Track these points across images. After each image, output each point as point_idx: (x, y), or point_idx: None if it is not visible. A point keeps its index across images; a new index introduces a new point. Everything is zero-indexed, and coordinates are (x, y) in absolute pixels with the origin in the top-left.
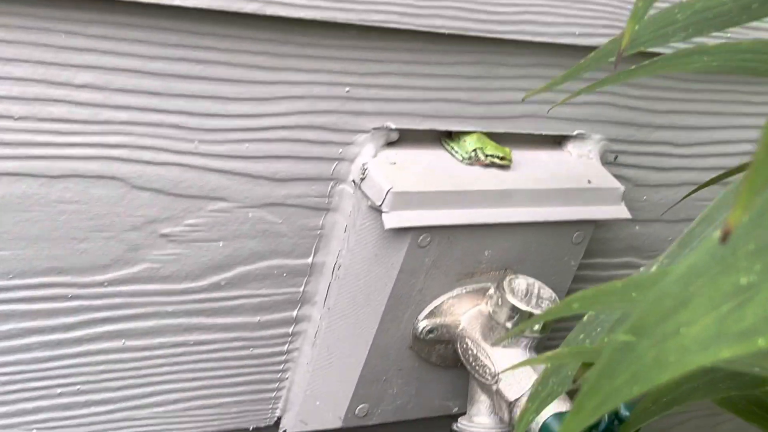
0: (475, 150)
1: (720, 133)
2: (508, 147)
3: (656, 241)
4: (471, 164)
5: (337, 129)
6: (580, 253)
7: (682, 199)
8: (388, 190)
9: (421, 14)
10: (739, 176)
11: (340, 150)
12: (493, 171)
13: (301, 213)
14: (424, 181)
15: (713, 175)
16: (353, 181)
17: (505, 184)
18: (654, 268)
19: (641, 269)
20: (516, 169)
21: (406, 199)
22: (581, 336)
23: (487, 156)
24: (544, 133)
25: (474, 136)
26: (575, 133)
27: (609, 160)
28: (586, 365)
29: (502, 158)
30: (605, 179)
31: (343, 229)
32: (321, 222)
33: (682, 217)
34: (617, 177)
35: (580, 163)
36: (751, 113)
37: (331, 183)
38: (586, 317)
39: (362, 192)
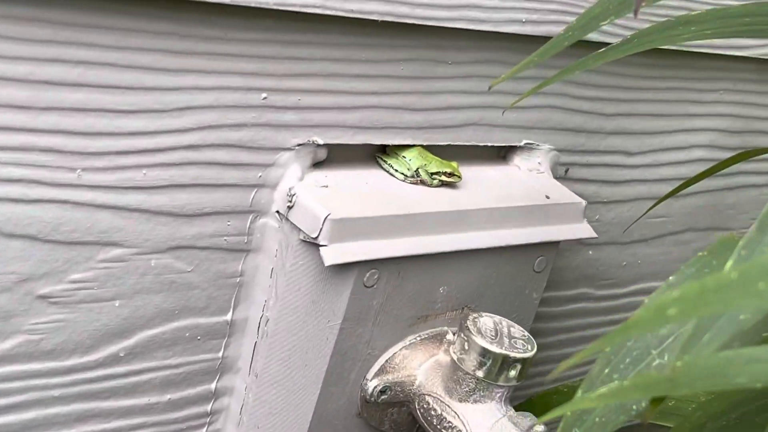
0: (418, 170)
1: (671, 138)
2: (454, 161)
3: (610, 267)
4: (414, 184)
5: (254, 147)
6: (543, 283)
7: (642, 216)
8: (326, 218)
9: None
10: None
11: (260, 174)
12: (441, 189)
13: (216, 257)
14: (365, 205)
15: (666, 186)
16: (278, 212)
17: (459, 204)
18: (730, 263)
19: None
20: (466, 187)
21: (348, 228)
22: (607, 371)
23: (432, 175)
24: (490, 144)
25: (414, 152)
26: (523, 143)
27: (560, 174)
28: (657, 401)
29: (450, 174)
30: (564, 194)
31: (268, 274)
32: (240, 267)
33: (635, 238)
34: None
35: (531, 177)
36: (701, 114)
37: (251, 216)
38: (609, 347)
39: (291, 224)
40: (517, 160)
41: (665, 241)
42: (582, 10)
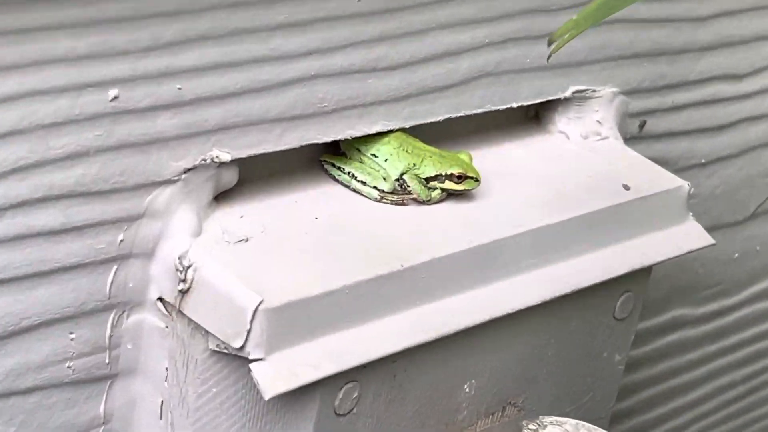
0: (402, 177)
1: None
2: (463, 150)
3: (715, 265)
4: (399, 204)
5: (104, 191)
6: (629, 336)
7: None
8: (257, 308)
9: None
10: None
11: (120, 237)
12: (448, 206)
13: (56, 401)
14: (321, 268)
15: None
16: (161, 300)
17: (482, 232)
18: None
19: None
20: (487, 193)
21: (299, 320)
22: None
23: (429, 183)
24: (515, 105)
25: (392, 144)
26: (570, 92)
27: (631, 132)
28: None
29: (460, 177)
30: (652, 175)
31: (156, 412)
32: (102, 409)
33: (752, 212)
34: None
35: (589, 149)
36: None
37: (112, 315)
38: None
39: (188, 321)
40: (562, 122)
41: None
42: None
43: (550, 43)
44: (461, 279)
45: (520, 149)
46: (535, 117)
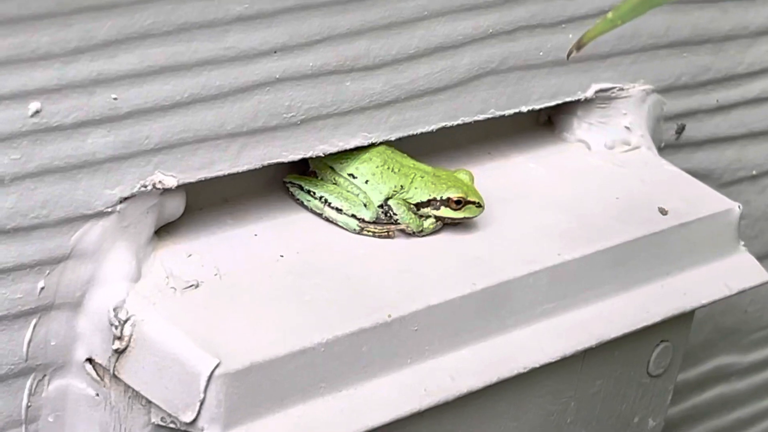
0: (387, 202)
1: None
2: (462, 168)
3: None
4: (382, 236)
5: (22, 227)
6: (666, 396)
7: None
8: (212, 373)
9: None
10: None
11: (40, 283)
12: (443, 238)
13: None
14: (288, 322)
15: None
16: (90, 361)
17: (486, 271)
18: None
19: None
20: (491, 221)
21: (262, 387)
22: None
23: (420, 210)
24: (525, 108)
25: (374, 162)
26: (591, 92)
27: (667, 140)
28: None
29: (459, 203)
30: (693, 194)
31: None
32: None
33: None
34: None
35: (615, 162)
36: None
37: (30, 381)
38: None
39: (125, 388)
40: (582, 129)
41: None
42: None
43: (579, 48)
44: (462, 331)
45: (532, 164)
46: (548, 123)
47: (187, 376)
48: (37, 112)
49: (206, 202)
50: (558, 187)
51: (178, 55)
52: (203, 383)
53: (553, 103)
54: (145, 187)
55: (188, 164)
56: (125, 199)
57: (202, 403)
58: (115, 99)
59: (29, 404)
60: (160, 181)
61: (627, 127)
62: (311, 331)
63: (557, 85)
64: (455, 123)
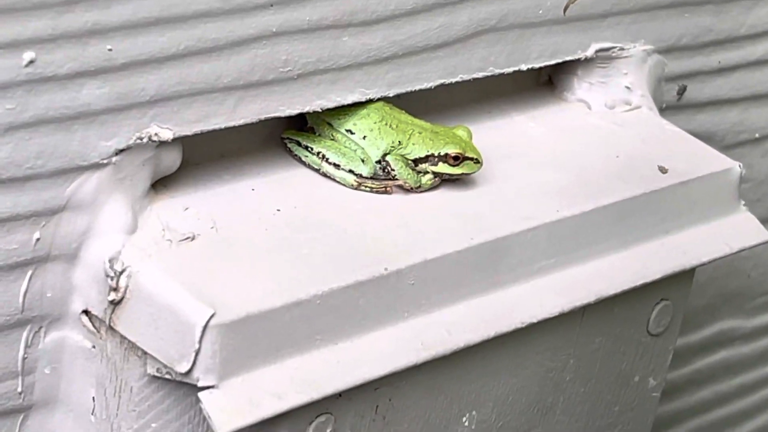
0: (385, 158)
1: None
2: (459, 124)
3: None
4: (380, 192)
5: (17, 178)
6: (666, 356)
7: None
8: (207, 323)
9: None
10: None
11: (36, 234)
12: (441, 194)
13: None
14: (285, 274)
15: None
16: (86, 312)
17: (484, 226)
18: None
19: None
20: (490, 178)
21: (258, 338)
22: None
23: (417, 166)
24: (525, 67)
25: (371, 117)
26: (592, 51)
27: (669, 100)
28: None
29: (457, 158)
30: (694, 153)
31: None
32: None
33: None
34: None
35: (615, 122)
36: None
37: (26, 333)
38: None
39: (122, 340)
40: (583, 88)
41: None
42: None
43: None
44: (459, 286)
45: (531, 123)
46: (548, 82)
47: (182, 327)
48: (31, 62)
49: (203, 157)
50: (557, 146)
51: (173, 6)
52: (198, 334)
53: (552, 62)
54: (141, 139)
55: (184, 117)
56: (121, 151)
57: (197, 354)
58: (110, 50)
59: (25, 356)
60: (155, 134)
61: (627, 87)
62: (307, 283)
63: (557, 44)
64: (454, 80)
